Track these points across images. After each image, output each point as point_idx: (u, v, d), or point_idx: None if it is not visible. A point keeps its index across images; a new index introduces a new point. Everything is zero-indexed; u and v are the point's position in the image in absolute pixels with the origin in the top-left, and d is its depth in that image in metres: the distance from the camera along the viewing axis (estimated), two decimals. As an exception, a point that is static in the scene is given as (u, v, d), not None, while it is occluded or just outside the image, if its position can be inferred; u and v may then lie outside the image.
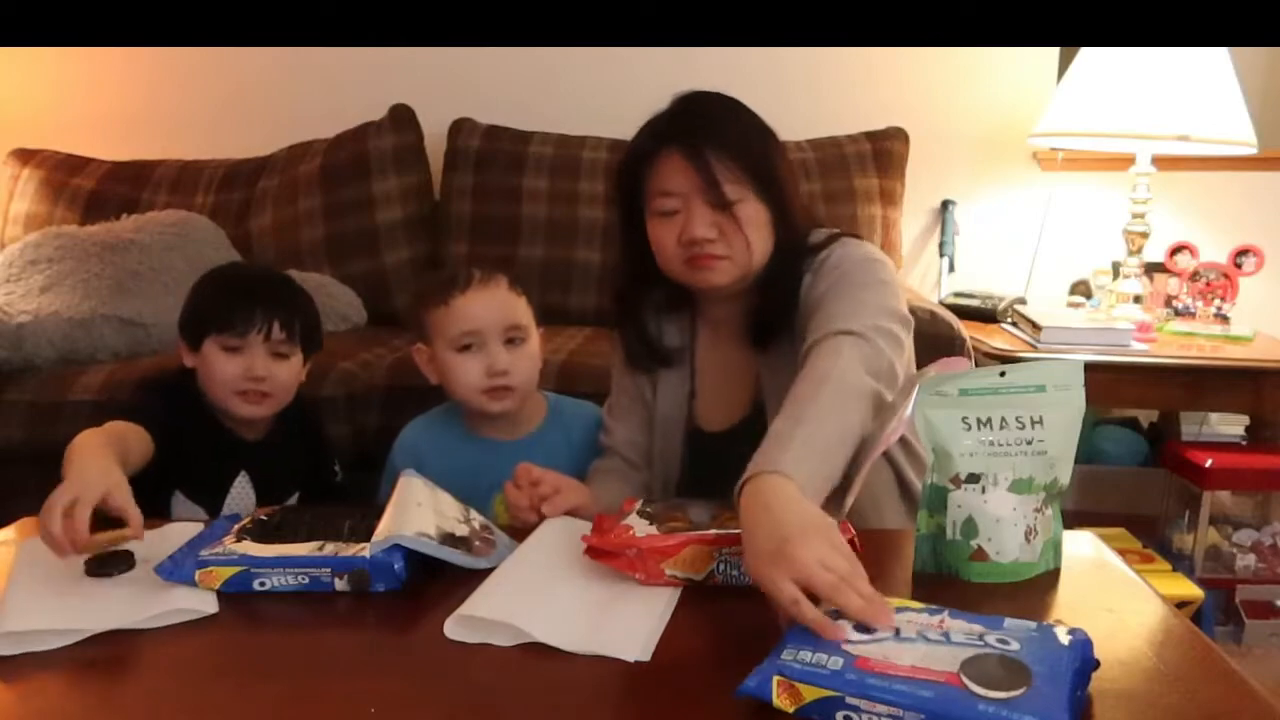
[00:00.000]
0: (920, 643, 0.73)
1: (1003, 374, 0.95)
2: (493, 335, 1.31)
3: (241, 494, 1.41)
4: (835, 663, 0.71)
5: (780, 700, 0.70)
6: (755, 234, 1.18)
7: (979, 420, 0.95)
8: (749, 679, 0.72)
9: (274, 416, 1.43)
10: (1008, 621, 0.77)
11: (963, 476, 0.95)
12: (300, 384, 1.43)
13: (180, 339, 1.40)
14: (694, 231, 1.17)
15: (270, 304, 1.37)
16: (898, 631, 0.75)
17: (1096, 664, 0.74)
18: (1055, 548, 0.99)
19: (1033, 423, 0.95)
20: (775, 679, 0.71)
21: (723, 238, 1.18)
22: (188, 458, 1.34)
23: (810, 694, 0.69)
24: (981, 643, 0.73)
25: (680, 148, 1.17)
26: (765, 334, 1.24)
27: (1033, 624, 0.77)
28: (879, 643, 0.73)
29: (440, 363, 1.33)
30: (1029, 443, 0.95)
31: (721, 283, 1.21)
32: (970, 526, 0.95)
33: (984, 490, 0.95)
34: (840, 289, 1.15)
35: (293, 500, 1.47)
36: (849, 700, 0.68)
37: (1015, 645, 0.72)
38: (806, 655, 0.72)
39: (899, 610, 0.79)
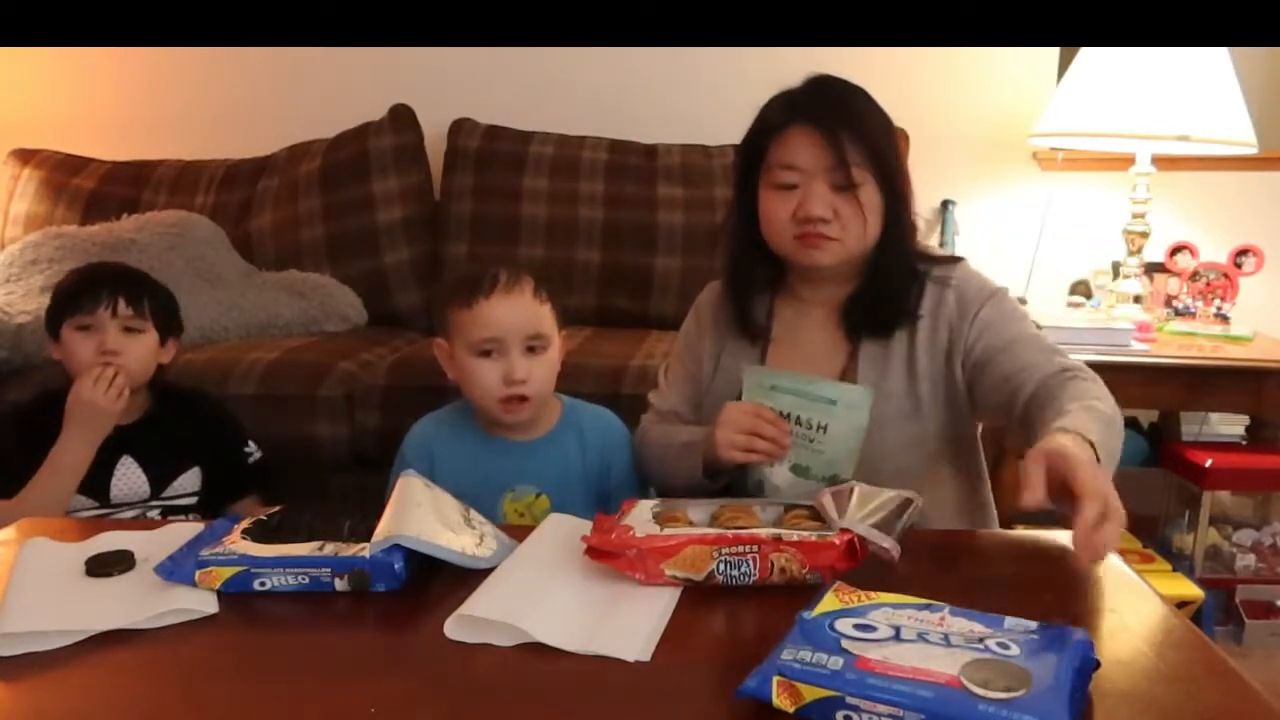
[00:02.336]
0: (920, 644, 0.73)
1: (810, 383, 1.20)
2: (513, 343, 1.29)
3: (128, 475, 1.48)
4: (835, 663, 0.71)
5: (780, 700, 0.70)
6: (872, 219, 1.21)
7: (780, 413, 1.20)
8: (749, 679, 0.72)
9: (150, 396, 1.53)
10: (1008, 621, 0.77)
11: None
12: (164, 363, 1.55)
13: (48, 337, 1.51)
14: (811, 209, 1.20)
15: (115, 284, 1.48)
16: (898, 632, 0.75)
17: (1097, 664, 0.74)
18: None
19: (818, 427, 1.19)
20: (775, 679, 0.70)
21: (838, 219, 1.20)
22: None
23: (810, 694, 0.69)
24: (982, 646, 0.73)
25: (814, 124, 1.19)
26: (868, 322, 1.28)
27: (1033, 624, 0.77)
28: (879, 644, 0.73)
29: (458, 363, 1.33)
30: (810, 440, 1.20)
31: (826, 263, 1.24)
32: (759, 487, 1.23)
33: (772, 465, 1.22)
34: (1022, 328, 1.25)
35: (193, 476, 1.53)
36: (849, 700, 0.68)
37: (1015, 649, 0.72)
38: (806, 655, 0.72)
39: (898, 607, 0.79)
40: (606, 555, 0.95)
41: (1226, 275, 2.32)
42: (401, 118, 2.51)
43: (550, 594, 0.91)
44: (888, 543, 0.93)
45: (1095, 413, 1.04)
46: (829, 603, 0.81)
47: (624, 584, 0.93)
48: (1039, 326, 2.09)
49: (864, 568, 0.95)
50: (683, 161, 2.45)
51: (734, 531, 0.95)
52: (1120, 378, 2.01)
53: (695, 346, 1.40)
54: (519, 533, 1.07)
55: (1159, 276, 2.38)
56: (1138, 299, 2.27)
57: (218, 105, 2.76)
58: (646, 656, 0.81)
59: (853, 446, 1.18)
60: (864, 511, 0.98)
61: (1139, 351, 2.04)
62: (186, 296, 2.22)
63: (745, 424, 1.19)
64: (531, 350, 1.31)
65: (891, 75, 2.67)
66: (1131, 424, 2.58)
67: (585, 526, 1.03)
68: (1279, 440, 2.14)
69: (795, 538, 0.94)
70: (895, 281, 1.26)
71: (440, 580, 0.96)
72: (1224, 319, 2.29)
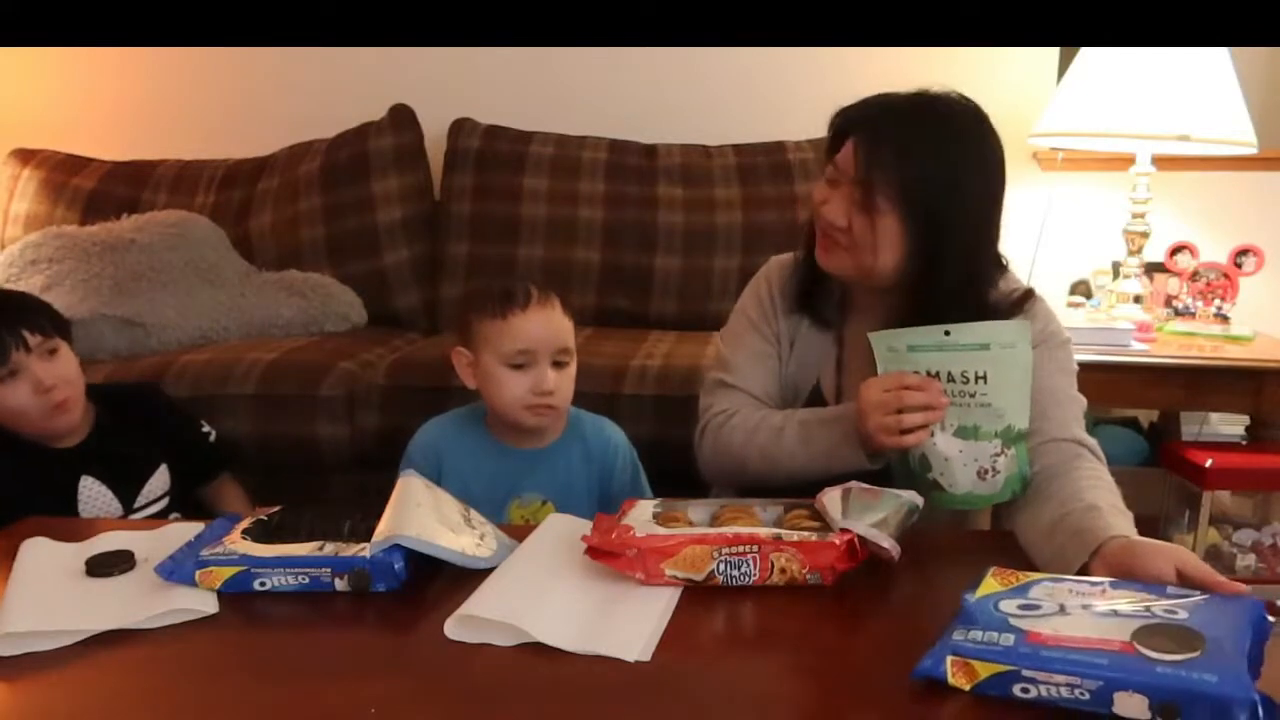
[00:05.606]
0: (1088, 616, 0.75)
1: (947, 333, 1.05)
2: (544, 356, 1.31)
3: (94, 496, 1.41)
4: (1007, 639, 0.72)
5: (956, 679, 0.72)
6: (884, 250, 1.16)
7: (929, 373, 1.06)
8: (924, 661, 0.74)
9: (92, 406, 1.45)
10: (1170, 588, 0.79)
11: None
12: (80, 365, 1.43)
13: None
14: (826, 211, 1.19)
15: (9, 321, 1.35)
16: (1063, 607, 0.76)
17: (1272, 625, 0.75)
18: (1022, 480, 1.09)
19: (976, 378, 1.04)
20: (949, 659, 0.72)
21: (849, 232, 1.17)
22: (17, 494, 1.34)
23: (985, 670, 0.71)
24: (1149, 613, 0.74)
25: (859, 135, 1.16)
26: None
27: (1197, 593, 0.78)
28: (1046, 617, 0.75)
29: (485, 373, 1.33)
30: (971, 395, 1.05)
31: (833, 268, 1.22)
32: (924, 462, 1.10)
33: (933, 434, 1.07)
34: (1061, 383, 1.20)
35: (161, 476, 1.47)
36: (1025, 673, 0.70)
37: (1183, 613, 0.73)
38: (978, 635, 0.74)
39: (1057, 581, 0.82)
40: (606, 555, 0.95)
41: (1226, 275, 2.32)
42: (401, 118, 2.51)
43: (550, 594, 0.91)
44: (887, 543, 0.93)
45: (1131, 520, 1.00)
46: (989, 585, 0.83)
47: (624, 584, 0.94)
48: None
49: (863, 568, 0.95)
50: (683, 161, 2.44)
51: (734, 531, 0.96)
52: (1120, 378, 2.03)
53: (771, 319, 1.32)
54: (519, 532, 1.08)
55: (1159, 276, 2.38)
56: (1138, 299, 2.27)
57: (218, 105, 2.76)
58: (646, 656, 0.81)
59: (1022, 390, 1.05)
60: (864, 512, 0.99)
61: (1139, 351, 2.03)
62: (186, 296, 2.23)
63: (891, 401, 1.06)
64: (558, 364, 1.33)
65: (892, 75, 2.67)
66: (1131, 424, 2.58)
67: (585, 526, 1.03)
68: (1279, 440, 2.14)
69: (795, 538, 0.94)
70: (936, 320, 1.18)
71: (440, 580, 0.97)
72: (1224, 319, 2.29)
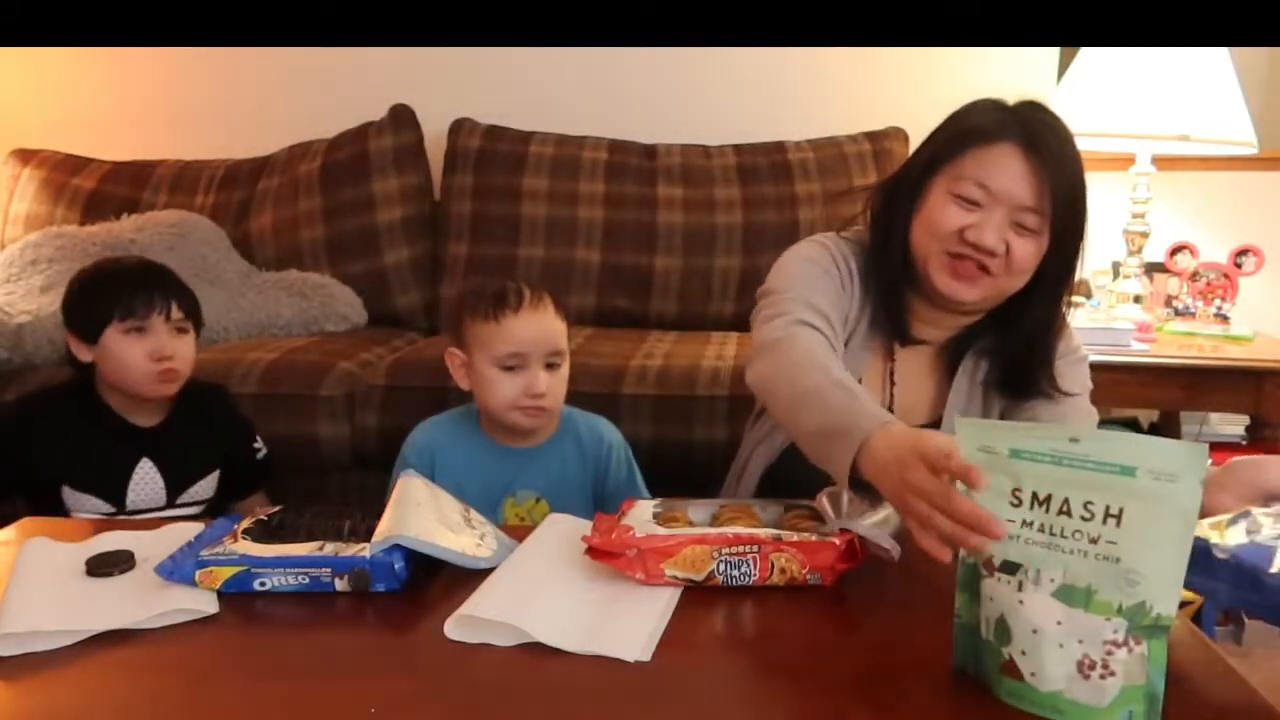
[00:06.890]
0: None
1: (1075, 440, 0.72)
2: (536, 358, 1.32)
3: (146, 480, 1.45)
4: None
5: None
6: (1028, 274, 1.13)
7: (1034, 496, 0.73)
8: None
9: (173, 400, 1.49)
10: None
11: (996, 561, 0.75)
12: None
13: (71, 335, 1.45)
14: (985, 237, 1.09)
15: (164, 287, 1.45)
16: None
17: None
18: (1148, 700, 0.70)
19: (1107, 515, 0.70)
20: None
21: (1005, 257, 1.11)
22: (78, 453, 1.42)
23: None
24: None
25: (1028, 151, 1.09)
26: (1009, 381, 1.22)
27: None
28: None
29: (477, 374, 1.34)
30: (1093, 540, 0.71)
31: (967, 299, 1.14)
32: (1003, 629, 0.75)
33: (1020, 587, 0.74)
34: (1081, 399, 1.22)
35: (211, 479, 1.51)
36: None
37: None
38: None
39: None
40: (606, 555, 0.95)
41: (1226, 275, 2.32)
42: (401, 118, 2.51)
43: (550, 594, 0.91)
44: (887, 543, 0.93)
45: None
46: (1203, 530, 0.81)
47: (624, 584, 0.94)
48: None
49: (863, 567, 0.95)
50: (683, 161, 2.44)
51: (734, 531, 0.96)
52: (1120, 378, 2.03)
53: (848, 287, 1.20)
54: (519, 532, 1.08)
55: (1159, 276, 2.38)
56: (1138, 299, 2.27)
57: (218, 105, 2.76)
58: (646, 656, 0.81)
59: (1173, 552, 0.69)
60: (864, 512, 0.98)
61: (1139, 351, 2.03)
62: (186, 296, 2.23)
63: (933, 492, 0.79)
64: (550, 366, 1.33)
65: (892, 75, 2.68)
66: (1131, 424, 2.58)
67: (585, 526, 1.03)
68: (1279, 440, 2.14)
69: (795, 538, 0.94)
70: (1039, 346, 1.18)
71: (440, 580, 0.97)
72: (1224, 319, 2.29)
